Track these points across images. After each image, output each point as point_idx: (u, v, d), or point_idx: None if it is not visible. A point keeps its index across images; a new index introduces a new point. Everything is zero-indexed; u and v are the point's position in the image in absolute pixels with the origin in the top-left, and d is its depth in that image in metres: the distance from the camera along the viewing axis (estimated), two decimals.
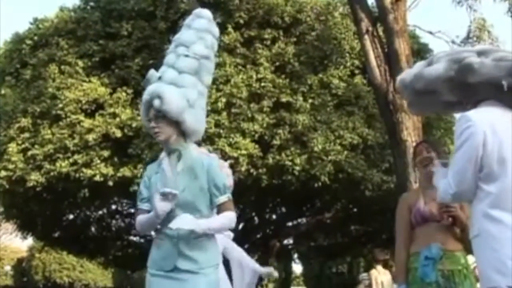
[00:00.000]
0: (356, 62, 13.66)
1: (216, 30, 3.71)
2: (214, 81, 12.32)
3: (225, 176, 3.27)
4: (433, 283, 3.51)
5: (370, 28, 9.73)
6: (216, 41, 3.66)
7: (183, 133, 3.27)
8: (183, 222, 3.02)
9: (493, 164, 2.49)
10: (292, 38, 13.44)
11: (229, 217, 3.16)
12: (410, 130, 9.17)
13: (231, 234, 4.91)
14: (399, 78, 2.99)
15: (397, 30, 9.54)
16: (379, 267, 10.60)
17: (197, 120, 3.31)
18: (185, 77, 3.36)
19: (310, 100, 12.81)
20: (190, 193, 3.13)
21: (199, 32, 3.57)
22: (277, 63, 13.01)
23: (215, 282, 3.12)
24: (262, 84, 12.57)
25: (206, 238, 3.11)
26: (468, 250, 3.58)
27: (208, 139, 11.90)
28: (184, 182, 3.16)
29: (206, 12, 3.73)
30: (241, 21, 13.08)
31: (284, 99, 12.55)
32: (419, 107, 3.05)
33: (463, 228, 3.59)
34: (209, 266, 3.10)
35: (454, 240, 3.67)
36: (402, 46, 9.52)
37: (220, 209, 3.16)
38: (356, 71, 13.78)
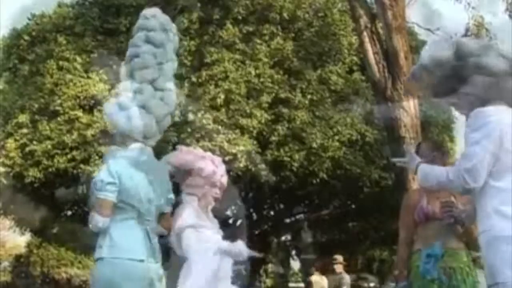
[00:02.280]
0: (355, 58, 13.64)
1: (144, 22, 3.90)
2: (213, 77, 12.32)
3: (102, 173, 3.54)
4: (435, 280, 3.52)
5: (369, 25, 9.72)
6: (150, 32, 3.84)
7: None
8: None
9: (506, 161, 2.51)
10: (290, 34, 13.42)
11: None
12: (408, 126, 9.17)
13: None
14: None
15: (396, 27, 9.53)
16: (317, 273, 11.84)
17: (129, 118, 3.62)
18: (120, 85, 3.78)
19: (308, 96, 12.80)
20: None
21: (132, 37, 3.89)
22: (276, 59, 12.99)
23: (93, 274, 3.58)
24: (261, 80, 12.55)
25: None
26: (471, 247, 3.59)
27: (206, 135, 11.89)
28: None
29: (143, 12, 4.01)
30: (240, 17, 13.06)
31: (282, 95, 12.54)
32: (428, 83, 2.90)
33: (466, 228, 3.60)
34: (96, 259, 3.52)
35: (456, 238, 3.68)
36: (401, 43, 9.50)
37: None
38: (355, 68, 13.77)
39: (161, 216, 3.78)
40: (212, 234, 4.56)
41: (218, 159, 4.74)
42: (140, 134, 3.65)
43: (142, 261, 3.47)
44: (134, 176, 3.55)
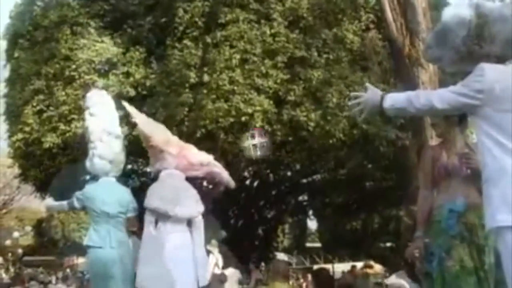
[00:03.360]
0: (371, 16, 13.40)
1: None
2: (227, 38, 12.19)
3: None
4: (457, 236, 3.51)
5: None
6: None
7: None
8: None
9: (486, 173, 2.53)
10: None
11: None
12: (427, 84, 9.04)
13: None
14: None
15: None
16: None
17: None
18: None
19: (324, 55, 12.64)
20: None
21: None
22: (291, 18, 12.80)
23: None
24: (276, 39, 12.40)
25: None
26: None
27: (222, 96, 11.84)
28: None
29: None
30: None
31: (298, 54, 12.39)
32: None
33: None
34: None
35: (477, 193, 3.64)
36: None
37: None
38: (371, 26, 13.53)
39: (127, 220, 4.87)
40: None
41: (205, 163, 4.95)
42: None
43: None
44: (97, 190, 4.89)
